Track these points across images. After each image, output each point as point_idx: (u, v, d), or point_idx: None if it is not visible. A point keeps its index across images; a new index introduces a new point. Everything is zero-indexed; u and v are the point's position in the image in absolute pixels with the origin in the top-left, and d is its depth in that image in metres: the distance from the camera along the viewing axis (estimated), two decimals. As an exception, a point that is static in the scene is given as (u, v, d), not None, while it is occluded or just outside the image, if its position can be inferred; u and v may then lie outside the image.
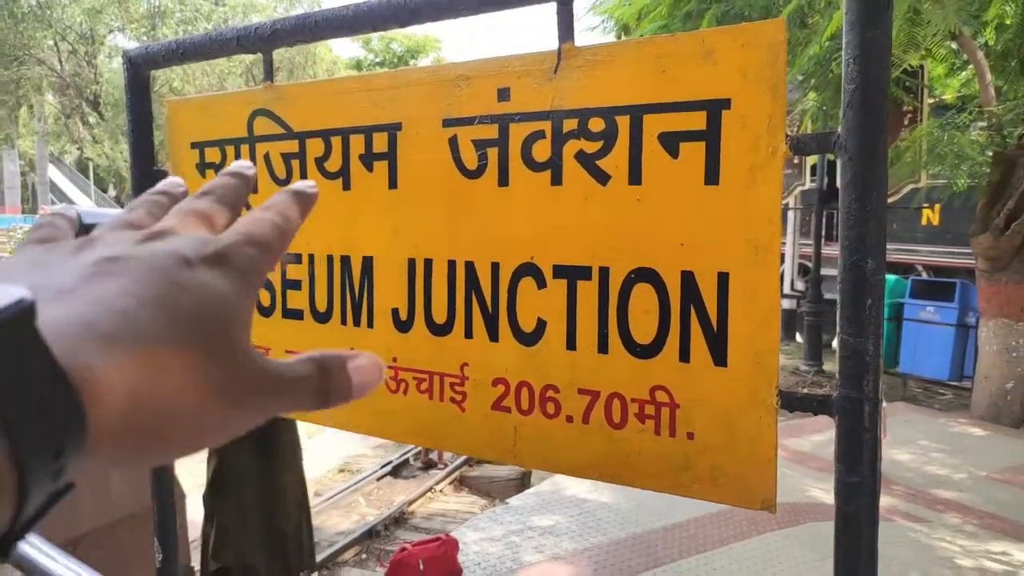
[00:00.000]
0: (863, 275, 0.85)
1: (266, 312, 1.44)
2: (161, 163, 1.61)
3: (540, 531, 4.25)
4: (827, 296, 10.73)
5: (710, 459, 1.00)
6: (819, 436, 6.63)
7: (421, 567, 3.55)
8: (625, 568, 3.74)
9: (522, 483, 5.91)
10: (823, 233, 11.15)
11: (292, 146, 1.37)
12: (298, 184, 0.40)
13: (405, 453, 6.48)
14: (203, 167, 1.51)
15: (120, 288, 0.27)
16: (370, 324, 1.30)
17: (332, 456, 6.66)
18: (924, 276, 11.27)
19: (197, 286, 0.30)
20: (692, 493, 1.02)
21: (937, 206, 10.95)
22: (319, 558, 4.52)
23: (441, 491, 5.79)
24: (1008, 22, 6.58)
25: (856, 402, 0.87)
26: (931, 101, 8.76)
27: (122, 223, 0.34)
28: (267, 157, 1.40)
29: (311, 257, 1.37)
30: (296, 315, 1.40)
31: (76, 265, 0.28)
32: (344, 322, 1.33)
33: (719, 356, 0.98)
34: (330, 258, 1.34)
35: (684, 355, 1.01)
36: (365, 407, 1.32)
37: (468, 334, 1.19)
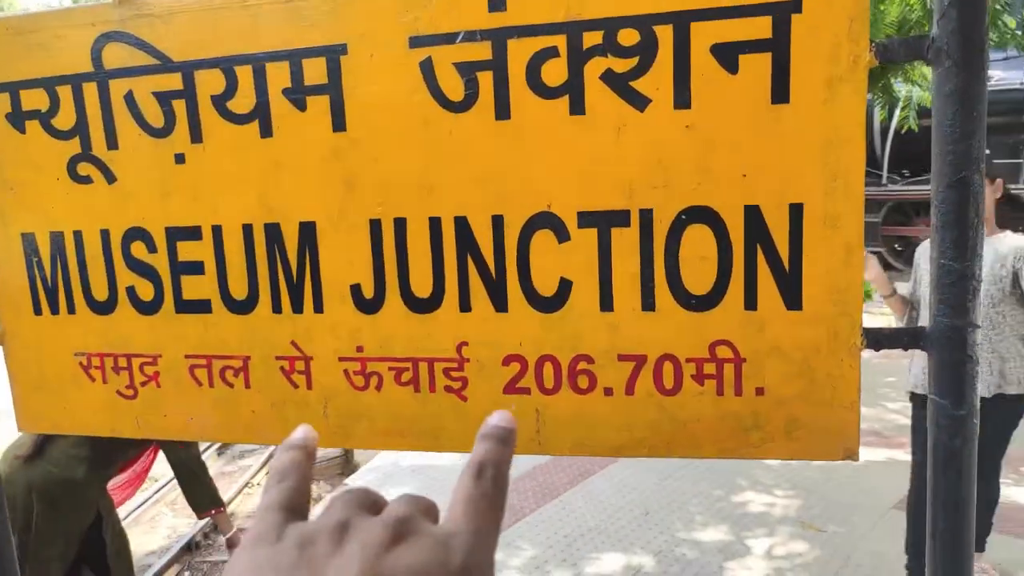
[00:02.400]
0: (969, 191, 0.78)
1: (149, 308, 1.08)
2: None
3: (391, 507, 4.01)
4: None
5: (785, 413, 0.90)
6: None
7: None
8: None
9: (345, 461, 5.60)
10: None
11: (172, 81, 1.01)
12: (493, 421, 0.38)
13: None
14: (20, 117, 1.08)
15: None
16: (318, 308, 1.02)
17: (116, 466, 5.78)
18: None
19: None
20: (763, 453, 0.92)
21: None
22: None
23: (259, 484, 5.29)
24: None
25: (959, 330, 0.81)
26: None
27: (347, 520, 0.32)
28: (130, 98, 1.03)
29: (216, 229, 1.04)
30: (199, 307, 1.06)
31: None
32: (278, 309, 1.03)
33: (792, 299, 0.87)
34: (248, 229, 1.02)
35: (750, 302, 0.88)
36: (317, 414, 1.04)
37: (465, 307, 0.97)
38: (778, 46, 0.83)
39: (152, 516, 4.94)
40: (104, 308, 1.10)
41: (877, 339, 0.86)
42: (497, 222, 0.94)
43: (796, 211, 0.85)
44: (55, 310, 1.12)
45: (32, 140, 1.08)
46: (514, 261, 0.94)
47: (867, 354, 0.88)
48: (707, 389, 0.91)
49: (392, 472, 4.60)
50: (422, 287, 0.97)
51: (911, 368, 2.98)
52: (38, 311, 1.13)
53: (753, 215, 0.87)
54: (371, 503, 0.33)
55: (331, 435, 1.05)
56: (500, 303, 0.95)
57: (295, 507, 0.34)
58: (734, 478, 4.27)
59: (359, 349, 1.01)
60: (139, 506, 4.93)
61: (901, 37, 0.82)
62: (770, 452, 0.91)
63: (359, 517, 0.32)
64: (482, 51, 0.90)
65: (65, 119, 1.06)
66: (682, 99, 0.86)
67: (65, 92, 1.05)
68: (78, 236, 1.09)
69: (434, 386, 0.99)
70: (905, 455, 3.48)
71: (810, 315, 0.87)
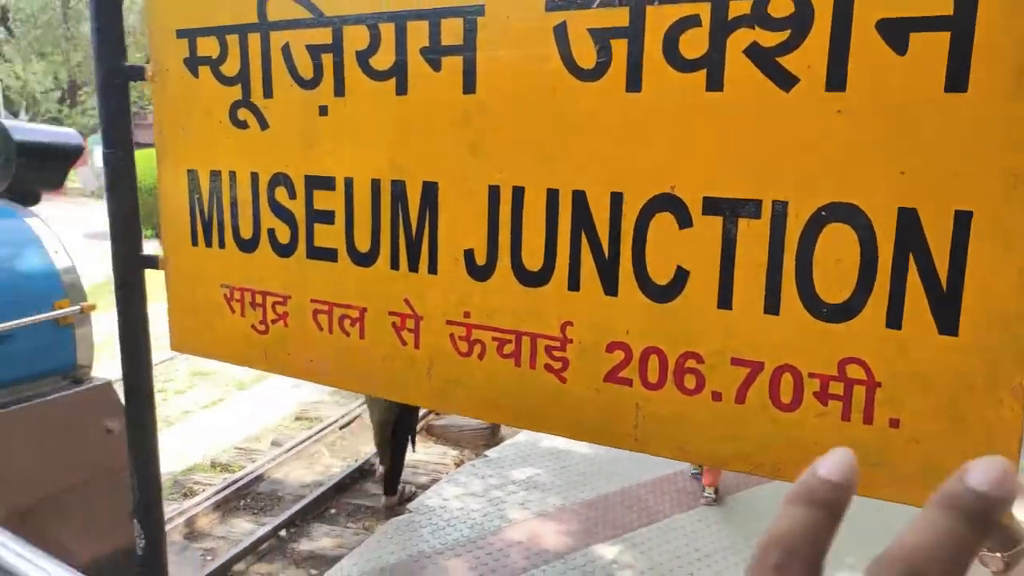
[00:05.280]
0: None
1: (284, 251, 1.14)
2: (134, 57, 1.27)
3: (523, 485, 4.07)
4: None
5: (921, 454, 0.77)
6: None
7: None
8: (619, 525, 3.59)
9: (492, 433, 5.73)
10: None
11: (323, 35, 1.05)
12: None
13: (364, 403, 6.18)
14: (194, 63, 1.17)
15: None
16: (432, 269, 1.02)
17: (287, 402, 6.28)
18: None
19: None
20: (889, 495, 0.79)
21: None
22: (285, 512, 4.29)
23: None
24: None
25: None
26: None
27: None
28: (286, 51, 1.08)
29: (348, 182, 1.07)
30: (327, 255, 1.10)
31: None
32: (395, 266, 1.04)
33: (947, 322, 0.74)
34: (376, 184, 1.04)
35: (894, 319, 0.77)
36: (421, 373, 1.05)
37: (573, 285, 0.92)
38: (960, 25, 0.70)
39: (312, 453, 5.36)
40: (248, 246, 1.18)
41: (1050, 383, 0.72)
42: (616, 200, 0.88)
43: (963, 220, 0.72)
44: (208, 243, 1.22)
45: (204, 84, 1.17)
46: (629, 243, 0.88)
47: None
48: (831, 411, 0.81)
49: (528, 452, 4.64)
50: (533, 259, 0.94)
51: None
52: (195, 242, 1.23)
53: (908, 219, 0.74)
54: None
55: (433, 397, 1.06)
56: (610, 286, 0.90)
57: None
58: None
59: (466, 315, 1.00)
60: (302, 442, 5.36)
61: None
62: (897, 496, 0.79)
63: None
64: (619, 17, 0.85)
65: (231, 66, 1.13)
66: (836, 80, 0.75)
67: (233, 41, 1.13)
68: (232, 177, 1.17)
69: (534, 362, 0.96)
70: None
71: (967, 343, 0.74)
